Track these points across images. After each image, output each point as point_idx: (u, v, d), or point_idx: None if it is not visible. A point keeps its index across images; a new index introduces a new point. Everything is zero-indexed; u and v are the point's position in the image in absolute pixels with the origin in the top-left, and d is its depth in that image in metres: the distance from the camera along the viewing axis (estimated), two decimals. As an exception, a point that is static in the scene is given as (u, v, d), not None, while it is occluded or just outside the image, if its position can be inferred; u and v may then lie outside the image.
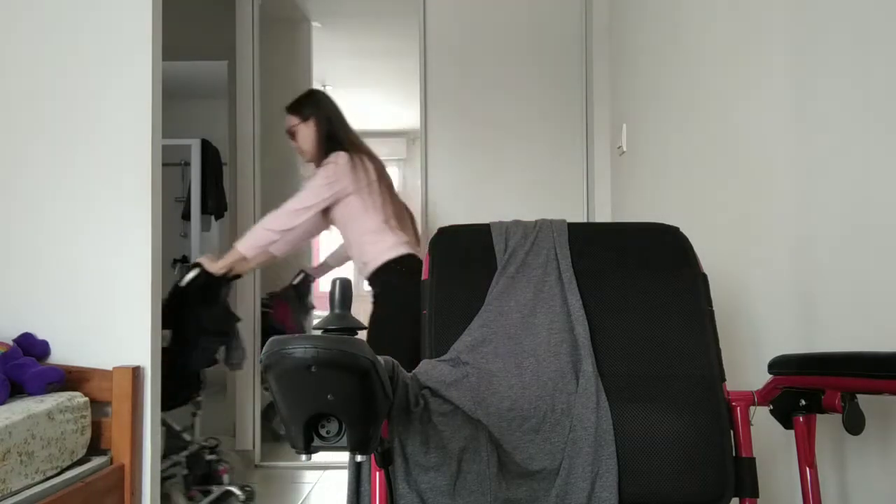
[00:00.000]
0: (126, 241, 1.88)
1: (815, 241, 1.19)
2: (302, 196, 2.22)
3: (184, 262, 5.16)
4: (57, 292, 1.88)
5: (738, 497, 1.02)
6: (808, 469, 0.97)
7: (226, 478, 2.51)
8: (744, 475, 1.02)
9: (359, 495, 1.01)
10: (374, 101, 6.37)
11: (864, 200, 1.05)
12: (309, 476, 2.87)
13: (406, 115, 6.78)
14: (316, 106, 2.35)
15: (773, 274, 1.36)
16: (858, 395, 0.88)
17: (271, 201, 3.36)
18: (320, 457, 2.94)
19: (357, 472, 1.02)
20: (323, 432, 0.71)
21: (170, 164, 4.96)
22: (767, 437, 1.30)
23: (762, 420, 1.08)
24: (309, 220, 2.24)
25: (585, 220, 2.92)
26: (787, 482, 1.30)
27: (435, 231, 1.21)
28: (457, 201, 2.95)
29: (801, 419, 0.97)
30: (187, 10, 3.51)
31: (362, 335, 0.80)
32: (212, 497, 2.43)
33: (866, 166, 1.04)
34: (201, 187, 4.88)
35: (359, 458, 0.73)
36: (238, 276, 2.29)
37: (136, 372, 1.82)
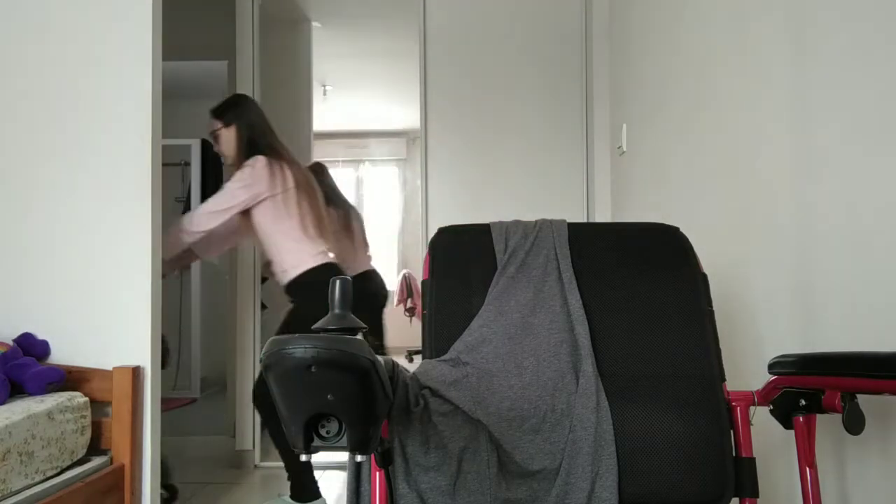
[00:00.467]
0: (126, 241, 1.88)
1: (815, 241, 1.19)
2: (217, 198, 2.25)
3: (184, 262, 5.16)
4: (57, 292, 1.88)
5: (738, 497, 1.02)
6: (808, 469, 0.97)
7: None
8: (744, 475, 1.02)
9: (359, 495, 1.01)
10: (374, 101, 6.37)
11: (863, 200, 1.05)
12: (309, 476, 2.87)
13: (406, 115, 6.79)
14: (239, 112, 2.38)
15: (773, 274, 1.36)
16: (858, 395, 0.88)
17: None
18: (320, 457, 2.94)
19: (357, 472, 1.02)
20: (323, 432, 0.71)
21: (170, 164, 4.97)
22: (767, 437, 1.30)
23: (762, 420, 1.08)
24: (226, 222, 2.27)
25: (585, 220, 2.92)
26: (787, 482, 1.30)
27: (435, 231, 1.21)
28: (457, 201, 2.95)
29: (801, 419, 0.97)
30: (187, 10, 3.50)
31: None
32: None
33: (866, 166, 1.04)
34: (201, 187, 4.89)
35: (359, 458, 0.73)
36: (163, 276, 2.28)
37: (136, 372, 1.82)
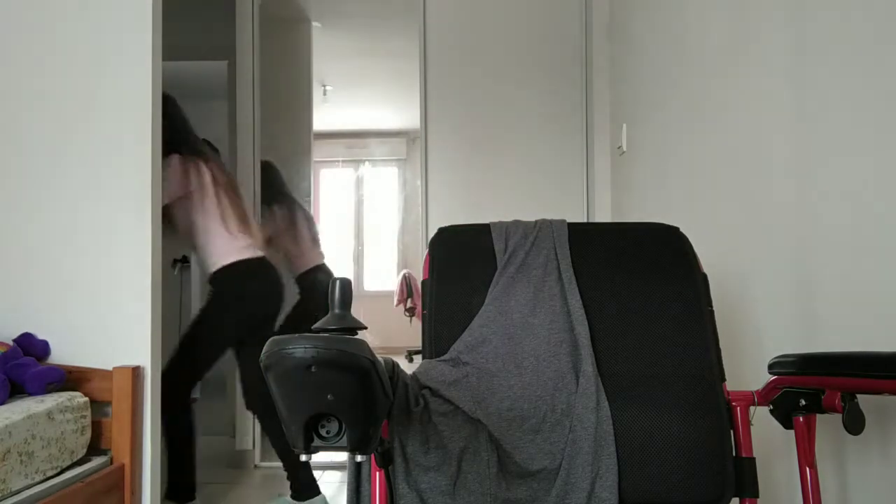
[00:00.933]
0: (126, 241, 1.88)
1: (815, 241, 1.19)
2: None
3: (184, 262, 5.17)
4: (57, 292, 1.88)
5: (739, 497, 1.02)
6: (808, 469, 0.97)
7: None
8: (744, 475, 1.02)
9: (359, 495, 1.01)
10: (374, 101, 6.36)
11: (864, 200, 1.05)
12: (309, 476, 2.87)
13: (406, 115, 6.78)
14: None
15: (773, 274, 1.36)
16: (858, 395, 0.88)
17: (271, 201, 3.37)
18: (320, 457, 2.94)
19: (357, 472, 1.02)
20: (323, 432, 0.71)
21: (170, 164, 4.96)
22: (767, 437, 1.30)
23: (762, 420, 1.08)
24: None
25: (585, 220, 2.92)
26: (787, 482, 1.30)
27: (435, 231, 1.21)
28: (457, 201, 2.95)
29: (801, 419, 0.97)
30: (187, 10, 3.50)
31: (362, 335, 0.81)
32: None
33: (866, 166, 1.04)
34: (201, 187, 4.88)
35: (359, 458, 0.73)
36: None
37: (136, 372, 1.82)
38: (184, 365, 2.27)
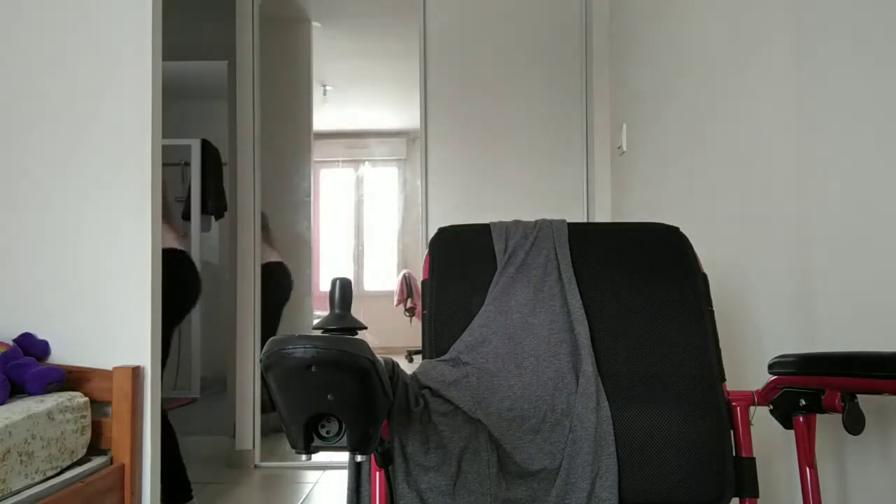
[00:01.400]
0: (126, 241, 1.88)
1: (815, 241, 1.19)
2: None
3: (184, 262, 5.16)
4: (57, 292, 1.88)
5: (739, 497, 1.02)
6: (808, 469, 0.97)
7: None
8: (744, 475, 1.02)
9: (359, 495, 1.01)
10: (374, 101, 6.37)
11: (864, 200, 1.05)
12: (309, 476, 2.87)
13: (406, 115, 6.78)
14: None
15: (773, 274, 1.36)
16: (858, 395, 0.88)
17: (271, 201, 3.37)
18: (320, 457, 2.94)
19: (357, 472, 1.02)
20: (323, 432, 0.71)
21: (170, 164, 4.97)
22: (767, 437, 1.30)
23: (762, 420, 1.08)
24: None
25: (585, 220, 2.92)
26: (787, 482, 1.30)
27: (435, 231, 1.21)
28: (457, 201, 2.95)
29: (801, 419, 0.97)
30: (187, 10, 3.50)
31: (362, 335, 0.81)
32: None
33: (866, 166, 1.04)
34: (201, 187, 4.89)
35: (359, 458, 0.73)
36: None
37: (136, 372, 1.82)
38: None
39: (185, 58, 3.62)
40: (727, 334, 1.53)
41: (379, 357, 0.72)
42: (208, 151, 5.00)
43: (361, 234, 5.93)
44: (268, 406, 3.32)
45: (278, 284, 3.41)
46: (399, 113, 6.95)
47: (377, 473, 0.97)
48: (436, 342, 1.10)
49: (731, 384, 1.27)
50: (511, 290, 1.13)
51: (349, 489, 1.02)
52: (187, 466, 2.33)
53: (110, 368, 1.81)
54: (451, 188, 2.95)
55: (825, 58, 1.16)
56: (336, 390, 0.68)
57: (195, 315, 4.99)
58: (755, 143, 1.44)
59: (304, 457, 0.72)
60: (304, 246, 3.56)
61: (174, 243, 2.39)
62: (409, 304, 6.60)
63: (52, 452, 1.58)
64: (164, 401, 1.99)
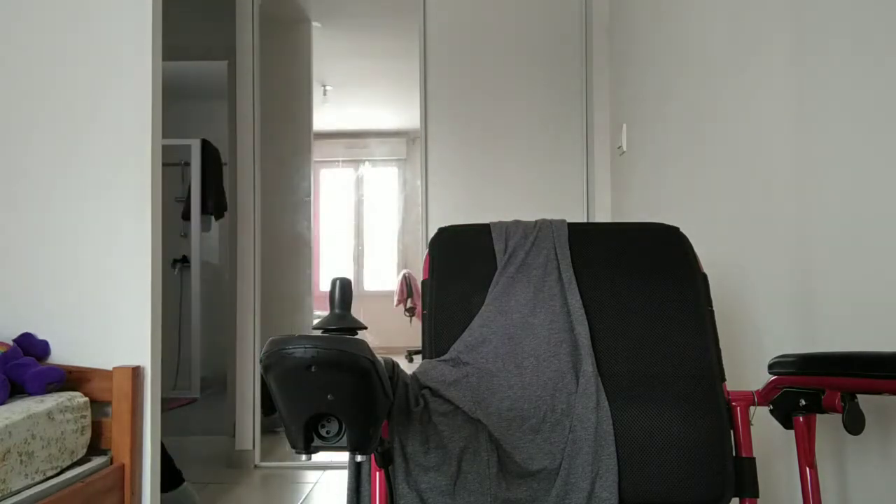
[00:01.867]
0: (126, 241, 1.88)
1: (815, 241, 1.19)
2: None
3: (184, 262, 5.17)
4: (57, 292, 1.88)
5: (738, 497, 1.02)
6: (808, 469, 0.97)
7: None
8: (744, 475, 1.02)
9: (359, 495, 1.01)
10: (374, 101, 6.37)
11: (863, 200, 1.05)
12: (309, 476, 2.87)
13: (406, 115, 6.78)
14: None
15: (773, 274, 1.36)
16: (858, 395, 0.88)
17: (271, 201, 3.37)
18: (320, 457, 2.94)
19: (357, 472, 1.02)
20: (323, 432, 0.71)
21: (170, 164, 4.97)
22: (767, 437, 1.30)
23: (762, 420, 1.08)
24: None
25: (585, 220, 2.92)
26: (787, 482, 1.30)
27: (435, 231, 1.21)
28: (457, 201, 2.95)
29: (801, 419, 0.97)
30: (187, 10, 3.50)
31: (362, 335, 0.81)
32: None
33: (866, 166, 1.04)
34: (201, 187, 4.90)
35: (359, 458, 0.73)
36: None
37: (136, 372, 1.82)
38: None
39: (185, 58, 3.62)
40: (727, 334, 1.53)
41: (379, 357, 0.72)
42: (208, 151, 5.00)
43: (361, 234, 5.93)
44: (267, 408, 3.32)
45: None
46: (399, 113, 6.95)
47: (377, 473, 0.98)
48: (436, 342, 1.10)
49: (731, 384, 1.27)
50: (511, 290, 1.13)
51: (349, 489, 1.02)
52: (187, 466, 2.34)
53: (110, 368, 1.81)
54: (451, 188, 2.95)
55: (825, 58, 1.16)
56: (336, 390, 0.68)
57: (195, 315, 4.99)
58: (755, 143, 1.44)
59: (304, 457, 0.72)
60: (304, 246, 3.56)
61: None
62: (409, 304, 6.60)
63: (52, 452, 1.58)
64: None
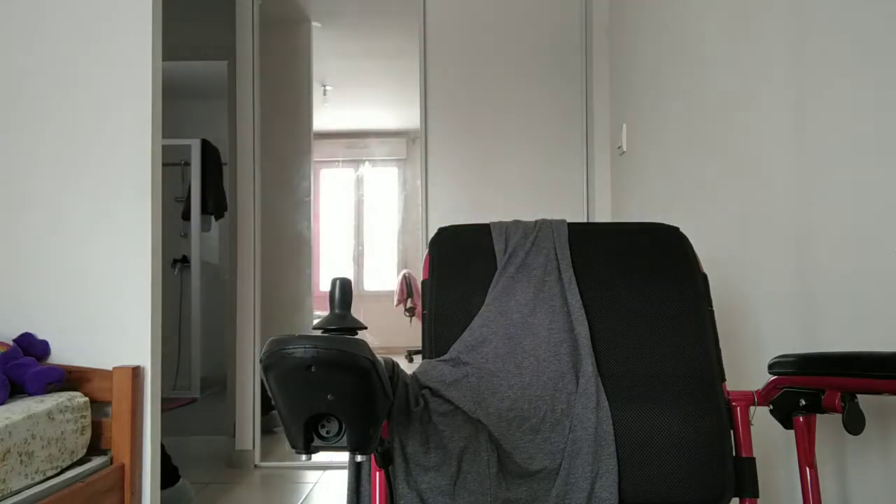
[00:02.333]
0: (126, 241, 1.88)
1: (815, 241, 1.19)
2: None
3: (184, 262, 5.17)
4: (57, 292, 1.88)
5: (738, 497, 1.02)
6: (808, 469, 0.97)
7: None
8: (744, 475, 1.02)
9: (359, 495, 1.01)
10: (374, 101, 6.37)
11: (863, 200, 1.05)
12: (309, 476, 2.87)
13: (406, 115, 6.78)
14: None
15: (773, 274, 1.36)
16: (858, 395, 0.88)
17: (271, 201, 3.37)
18: (320, 457, 2.94)
19: (357, 472, 1.02)
20: (323, 432, 0.71)
21: (170, 164, 4.97)
22: (767, 437, 1.30)
23: (762, 420, 1.08)
24: None
25: (585, 220, 2.92)
26: (787, 482, 1.30)
27: (435, 231, 1.21)
28: (457, 201, 2.95)
29: (801, 419, 0.97)
30: (187, 10, 3.50)
31: (362, 335, 0.81)
32: None
33: (866, 166, 1.04)
34: (201, 187, 4.89)
35: (359, 458, 0.73)
36: None
37: (136, 372, 1.82)
38: None
39: (185, 58, 3.62)
40: (727, 334, 1.53)
41: (379, 357, 0.72)
42: (208, 151, 5.00)
43: (361, 234, 5.93)
44: (265, 406, 3.32)
45: None
46: (399, 113, 6.95)
47: (377, 473, 0.97)
48: (436, 342, 1.10)
49: (731, 384, 1.27)
50: (511, 290, 1.13)
51: (349, 489, 1.02)
52: (187, 466, 2.34)
53: (110, 368, 1.81)
54: (451, 188, 2.95)
55: (825, 58, 1.16)
56: (336, 390, 0.68)
57: (195, 316, 4.99)
58: (755, 142, 1.44)
59: (303, 457, 0.72)
60: (304, 246, 3.56)
61: None
62: (409, 304, 6.60)
63: (52, 452, 1.58)
64: None
